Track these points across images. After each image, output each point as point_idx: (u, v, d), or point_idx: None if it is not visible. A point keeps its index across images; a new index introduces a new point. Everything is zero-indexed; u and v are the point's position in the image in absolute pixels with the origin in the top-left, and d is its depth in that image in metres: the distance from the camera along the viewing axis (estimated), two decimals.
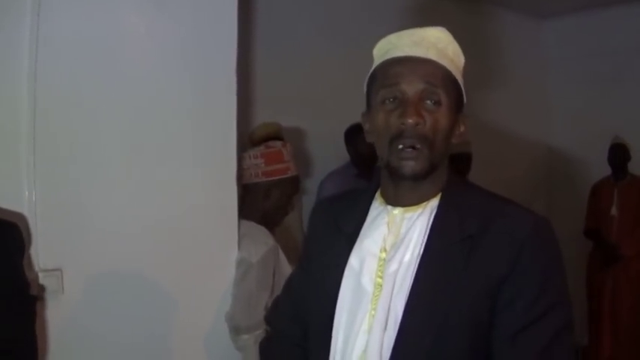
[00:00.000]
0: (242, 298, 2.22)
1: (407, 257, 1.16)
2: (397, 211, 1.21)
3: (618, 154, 4.42)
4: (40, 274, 1.95)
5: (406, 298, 1.12)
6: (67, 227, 2.00)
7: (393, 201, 1.23)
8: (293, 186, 2.46)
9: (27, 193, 1.95)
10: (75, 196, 2.01)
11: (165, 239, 2.15)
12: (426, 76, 1.16)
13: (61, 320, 1.99)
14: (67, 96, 2.00)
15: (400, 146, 1.15)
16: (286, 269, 2.23)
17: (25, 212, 1.94)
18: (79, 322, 2.02)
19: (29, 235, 1.89)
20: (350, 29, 3.89)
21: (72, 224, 2.01)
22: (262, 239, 2.26)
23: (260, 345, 1.59)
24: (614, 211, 4.42)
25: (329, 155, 3.88)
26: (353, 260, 1.21)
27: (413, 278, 1.13)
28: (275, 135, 3.23)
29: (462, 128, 1.22)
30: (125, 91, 2.09)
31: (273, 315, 1.52)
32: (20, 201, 1.94)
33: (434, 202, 1.20)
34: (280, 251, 2.32)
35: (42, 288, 1.94)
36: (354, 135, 3.55)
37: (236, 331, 2.23)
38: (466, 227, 1.13)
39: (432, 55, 1.17)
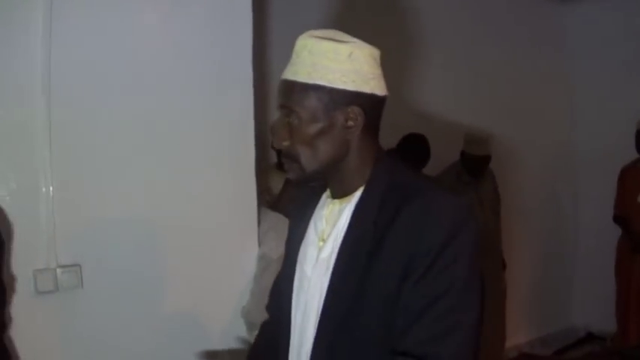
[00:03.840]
0: (259, 294, 2.20)
1: (335, 243, 1.27)
2: (333, 203, 1.32)
3: None
4: (59, 270, 1.97)
5: (329, 279, 1.25)
6: (86, 223, 2.01)
7: (331, 194, 1.35)
8: None
9: (44, 188, 1.96)
10: (93, 192, 2.02)
11: (183, 235, 2.15)
12: (282, 99, 1.26)
13: (79, 315, 2.01)
14: (82, 94, 2.01)
15: None
16: None
17: (43, 208, 1.96)
18: (97, 317, 2.03)
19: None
20: (365, 26, 3.85)
21: (90, 220, 2.02)
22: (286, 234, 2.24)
23: None
24: None
25: None
26: (301, 250, 1.37)
27: (334, 261, 1.25)
28: None
29: (350, 122, 1.25)
30: (142, 88, 2.09)
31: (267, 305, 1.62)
32: (37, 197, 1.96)
33: (358, 194, 1.28)
34: None
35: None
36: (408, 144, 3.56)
37: (252, 326, 2.22)
38: (379, 213, 1.22)
39: (287, 74, 1.26)
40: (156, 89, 2.12)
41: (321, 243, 1.31)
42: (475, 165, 3.86)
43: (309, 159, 1.26)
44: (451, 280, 1.14)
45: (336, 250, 1.25)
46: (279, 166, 2.61)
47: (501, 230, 4.12)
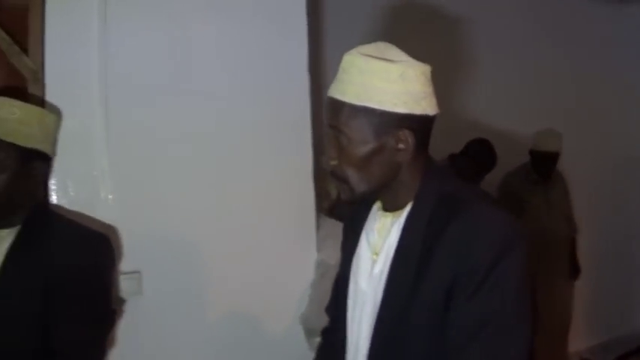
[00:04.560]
0: (317, 300, 2.18)
1: (387, 259, 1.26)
2: (385, 216, 1.31)
3: None
4: (120, 277, 1.99)
5: (382, 294, 1.24)
6: (145, 230, 2.02)
7: (382, 206, 1.33)
8: None
9: (103, 197, 1.99)
10: (151, 199, 2.04)
11: (242, 241, 2.15)
12: (330, 118, 1.23)
13: (140, 322, 2.03)
14: (139, 101, 2.03)
15: None
16: None
17: (101, 215, 1.98)
18: (157, 324, 2.05)
19: (117, 241, 1.92)
20: (417, 34, 3.78)
21: (150, 227, 2.03)
22: None
23: None
24: None
25: None
26: (354, 261, 1.36)
27: (386, 277, 1.24)
28: None
29: (401, 145, 1.21)
30: (198, 97, 2.10)
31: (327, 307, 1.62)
32: (96, 205, 1.98)
33: (408, 208, 1.27)
34: None
35: (121, 301, 1.98)
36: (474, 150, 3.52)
37: (310, 332, 2.20)
38: (427, 229, 1.20)
39: (335, 92, 1.22)
40: (212, 97, 2.12)
41: (374, 256, 1.31)
42: (543, 162, 3.75)
43: (358, 181, 1.24)
44: (503, 297, 1.12)
45: (388, 265, 1.25)
46: None
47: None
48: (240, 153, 2.14)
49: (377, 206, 1.36)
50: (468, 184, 1.32)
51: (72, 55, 2.01)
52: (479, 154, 3.45)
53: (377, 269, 1.28)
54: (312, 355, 2.20)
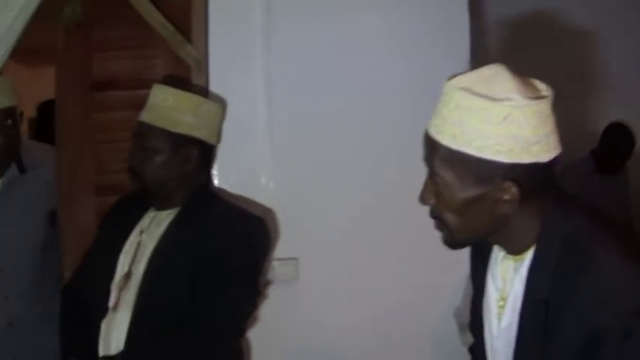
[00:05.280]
0: (471, 295, 2.12)
1: (513, 314, 1.12)
2: (507, 259, 1.15)
3: None
4: (277, 263, 2.03)
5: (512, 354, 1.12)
6: (304, 218, 2.06)
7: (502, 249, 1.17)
8: None
9: (264, 184, 2.03)
10: (311, 188, 2.07)
11: (397, 231, 2.12)
12: (426, 154, 1.12)
13: (296, 307, 2.08)
14: (301, 91, 2.07)
15: None
16: None
17: (263, 202, 2.03)
18: (312, 310, 2.08)
19: (275, 227, 1.95)
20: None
21: (308, 215, 2.07)
22: None
23: None
24: None
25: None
26: (485, 302, 1.22)
27: (515, 337, 1.11)
28: None
29: (506, 196, 1.03)
30: (357, 90, 2.10)
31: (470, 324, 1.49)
32: (257, 191, 2.04)
33: (530, 253, 1.09)
34: None
35: (267, 282, 2.02)
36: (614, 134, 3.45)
37: (463, 327, 2.14)
38: (553, 285, 1.04)
39: (431, 128, 1.09)
40: (372, 90, 2.11)
41: (501, 302, 1.16)
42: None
43: (459, 227, 1.09)
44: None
45: (516, 321, 1.10)
46: None
47: None
48: (397, 146, 2.10)
49: (497, 246, 1.19)
50: (595, 220, 1.12)
51: (235, 44, 2.07)
52: (616, 139, 3.36)
53: (504, 322, 1.15)
54: (463, 349, 2.16)
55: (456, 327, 2.18)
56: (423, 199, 1.13)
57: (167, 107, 1.62)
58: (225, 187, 2.02)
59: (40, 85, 3.40)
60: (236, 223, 1.66)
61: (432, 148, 1.07)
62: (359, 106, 2.09)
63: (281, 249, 2.04)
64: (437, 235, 2.11)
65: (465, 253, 2.13)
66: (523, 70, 1.05)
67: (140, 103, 1.70)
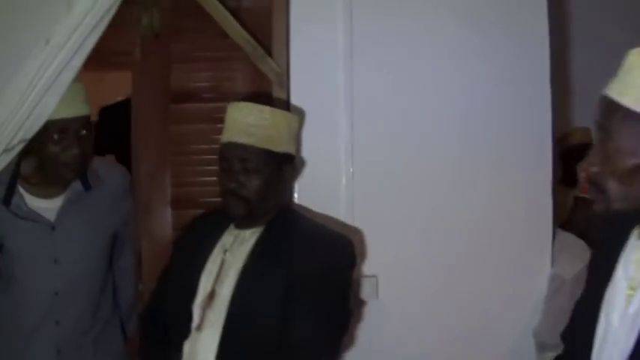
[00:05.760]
0: (551, 315, 2.09)
1: None
2: None
3: None
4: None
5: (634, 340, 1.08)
6: (383, 235, 2.04)
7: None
8: None
9: (345, 198, 2.03)
10: (391, 206, 2.05)
11: (475, 250, 2.10)
12: (601, 118, 1.09)
13: (375, 324, 2.05)
14: (383, 104, 2.05)
15: None
16: None
17: (343, 218, 2.02)
18: (391, 327, 2.06)
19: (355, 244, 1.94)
20: None
21: (388, 232, 2.04)
22: (579, 255, 2.10)
23: None
24: None
25: None
26: (607, 294, 1.18)
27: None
28: (591, 142, 3.00)
29: None
30: (439, 99, 2.08)
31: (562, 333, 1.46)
32: (338, 207, 2.03)
33: None
34: None
35: (361, 302, 2.00)
36: None
37: (541, 347, 2.12)
38: None
39: (612, 91, 1.06)
40: (453, 102, 2.08)
41: (630, 291, 1.14)
42: None
43: (618, 195, 1.08)
44: None
45: None
46: (565, 181, 2.44)
47: None
48: (478, 159, 2.09)
49: (638, 232, 1.19)
50: None
51: (317, 57, 2.05)
52: None
53: (632, 309, 1.12)
54: None
55: (533, 346, 2.16)
56: (590, 164, 1.12)
57: (268, 126, 1.60)
58: (307, 203, 2.00)
59: (103, 89, 3.38)
60: (325, 244, 1.63)
61: (610, 111, 1.06)
62: (444, 118, 2.07)
63: (361, 266, 2.02)
64: (515, 254, 2.11)
65: (543, 275, 2.14)
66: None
67: (218, 117, 1.68)
